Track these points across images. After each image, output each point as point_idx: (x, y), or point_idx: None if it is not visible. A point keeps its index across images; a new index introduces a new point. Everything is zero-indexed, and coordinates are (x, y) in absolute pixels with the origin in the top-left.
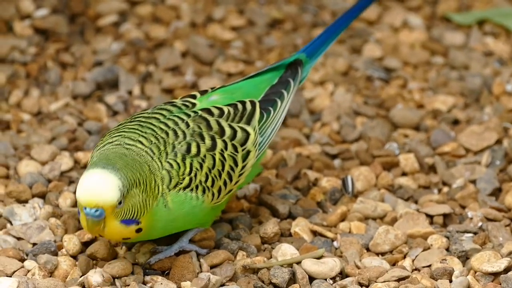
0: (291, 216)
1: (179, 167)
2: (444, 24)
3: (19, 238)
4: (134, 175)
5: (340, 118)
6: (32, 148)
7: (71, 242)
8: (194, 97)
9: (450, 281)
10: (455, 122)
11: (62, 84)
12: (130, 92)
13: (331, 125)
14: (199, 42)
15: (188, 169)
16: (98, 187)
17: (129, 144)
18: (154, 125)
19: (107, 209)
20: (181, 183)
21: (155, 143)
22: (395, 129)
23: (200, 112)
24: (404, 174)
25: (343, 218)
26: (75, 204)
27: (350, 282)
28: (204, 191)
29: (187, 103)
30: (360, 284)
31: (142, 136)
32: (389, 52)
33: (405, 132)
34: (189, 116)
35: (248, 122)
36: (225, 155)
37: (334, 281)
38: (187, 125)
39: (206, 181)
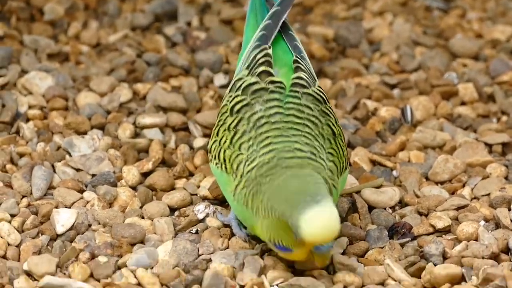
0: (350, 146)
1: (337, 152)
2: None
3: (78, 169)
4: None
5: (399, 48)
6: (91, 80)
7: (130, 173)
8: (272, 75)
9: (509, 209)
10: None
11: (120, 16)
12: (189, 24)
13: (390, 55)
14: None
15: (341, 150)
16: (331, 222)
17: (289, 158)
18: (287, 122)
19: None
20: (343, 165)
21: (307, 143)
22: (454, 59)
23: (299, 90)
24: (463, 103)
25: (402, 147)
26: (134, 135)
27: (409, 211)
28: (349, 163)
29: (278, 84)
30: (419, 213)
31: (294, 141)
32: None
33: (464, 61)
34: (298, 97)
35: (314, 78)
36: (337, 119)
37: (394, 210)
38: (310, 108)
39: (346, 152)
